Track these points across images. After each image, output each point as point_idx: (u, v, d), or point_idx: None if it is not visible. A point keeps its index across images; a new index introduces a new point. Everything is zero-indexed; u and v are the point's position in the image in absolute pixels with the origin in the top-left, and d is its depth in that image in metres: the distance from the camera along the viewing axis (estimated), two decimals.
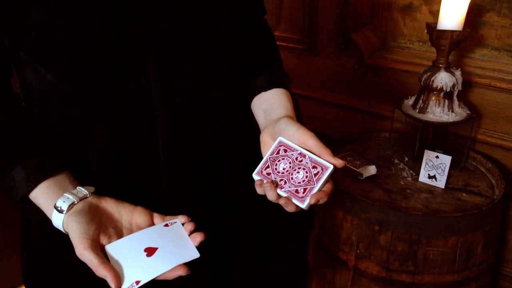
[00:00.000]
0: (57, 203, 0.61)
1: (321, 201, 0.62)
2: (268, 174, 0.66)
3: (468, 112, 1.25)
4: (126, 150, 0.68)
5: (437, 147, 1.21)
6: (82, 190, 0.63)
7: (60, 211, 0.60)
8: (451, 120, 1.21)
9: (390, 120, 1.38)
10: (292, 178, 0.64)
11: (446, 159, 1.17)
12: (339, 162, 0.62)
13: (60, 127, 0.68)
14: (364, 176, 1.25)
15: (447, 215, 1.07)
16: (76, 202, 0.61)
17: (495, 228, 1.17)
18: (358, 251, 1.16)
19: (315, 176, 0.62)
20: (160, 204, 0.71)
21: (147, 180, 0.71)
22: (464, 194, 1.19)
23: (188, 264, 0.82)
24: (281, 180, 0.65)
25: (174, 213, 0.73)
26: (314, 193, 0.61)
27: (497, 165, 1.31)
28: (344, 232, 1.18)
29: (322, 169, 0.62)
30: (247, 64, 0.83)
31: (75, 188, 0.63)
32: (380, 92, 1.54)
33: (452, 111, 1.22)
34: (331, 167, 0.62)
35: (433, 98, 1.22)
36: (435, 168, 1.19)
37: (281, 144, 0.67)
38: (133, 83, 0.66)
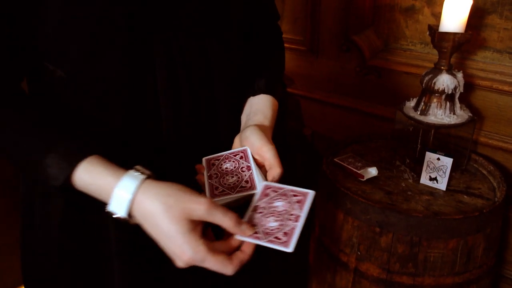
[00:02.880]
0: (132, 170, 0.59)
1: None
2: (213, 164, 0.70)
3: (470, 114, 1.25)
4: (134, 148, 0.69)
5: (439, 149, 1.21)
6: (141, 169, 0.60)
7: (142, 173, 0.58)
8: (452, 122, 1.21)
9: (392, 121, 1.38)
10: (224, 177, 0.68)
11: (447, 161, 1.17)
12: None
13: (69, 122, 0.67)
14: (365, 178, 1.25)
15: (448, 217, 1.07)
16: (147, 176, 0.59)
17: (496, 231, 1.17)
18: (359, 253, 1.16)
19: (238, 188, 0.65)
20: None
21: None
22: (465, 197, 1.19)
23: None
24: (216, 173, 0.69)
25: None
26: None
27: (498, 167, 1.30)
28: (344, 233, 1.18)
29: (250, 187, 0.65)
30: (251, 67, 0.84)
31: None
32: (381, 94, 1.54)
33: (454, 113, 1.22)
34: (257, 189, 0.64)
35: (435, 100, 1.22)
36: (436, 170, 1.19)
37: (243, 151, 0.70)
38: (142, 81, 0.66)
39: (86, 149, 0.60)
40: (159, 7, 0.65)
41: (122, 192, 0.57)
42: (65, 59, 0.63)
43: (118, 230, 0.71)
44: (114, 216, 0.57)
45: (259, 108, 0.78)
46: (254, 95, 0.80)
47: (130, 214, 0.57)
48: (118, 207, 0.57)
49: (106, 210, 0.58)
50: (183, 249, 0.55)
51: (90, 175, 0.58)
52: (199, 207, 0.55)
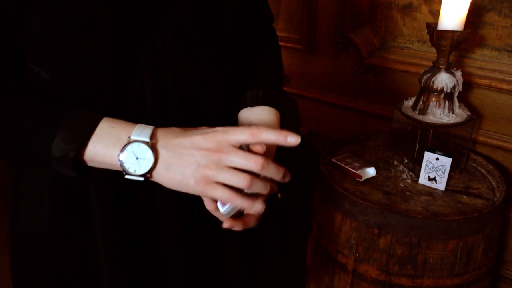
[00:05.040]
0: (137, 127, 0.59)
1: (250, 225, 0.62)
2: None
3: (469, 113, 1.23)
4: None
5: (437, 148, 1.20)
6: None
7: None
8: (451, 122, 1.19)
9: (390, 121, 1.36)
10: None
11: (446, 161, 1.15)
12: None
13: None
14: (363, 178, 1.23)
15: (448, 218, 1.06)
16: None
17: (495, 231, 1.15)
18: (357, 254, 1.15)
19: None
20: (150, 200, 0.71)
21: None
22: (464, 197, 1.17)
23: (183, 265, 0.80)
24: None
25: (164, 212, 0.72)
26: (230, 221, 0.60)
27: (497, 167, 1.29)
28: (343, 235, 1.17)
29: None
30: (244, 74, 0.81)
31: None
32: (379, 93, 1.53)
33: (453, 113, 1.21)
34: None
35: (433, 99, 1.21)
36: (435, 170, 1.18)
37: None
38: (127, 84, 0.64)
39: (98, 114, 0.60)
40: (145, 11, 0.63)
41: (143, 126, 0.59)
42: (49, 62, 0.61)
43: (106, 236, 0.70)
44: (134, 140, 0.57)
45: (262, 119, 0.75)
46: (252, 105, 0.77)
47: (151, 139, 0.58)
48: (141, 133, 0.58)
49: (127, 140, 0.57)
50: (212, 129, 0.58)
51: (110, 122, 0.59)
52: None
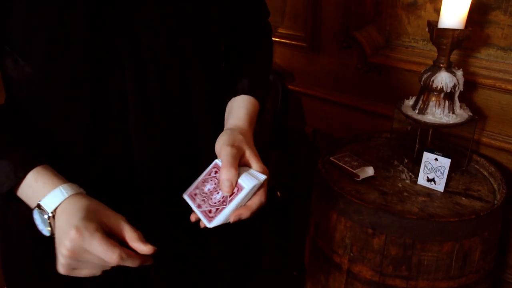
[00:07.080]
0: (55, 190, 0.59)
1: (243, 217, 0.63)
2: (195, 195, 0.67)
3: (470, 113, 1.21)
4: (100, 146, 0.67)
5: (438, 149, 1.18)
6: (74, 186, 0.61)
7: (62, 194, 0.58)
8: (451, 122, 1.17)
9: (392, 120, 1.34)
10: (211, 198, 0.65)
11: (445, 162, 1.13)
12: (225, 186, 0.63)
13: (37, 119, 0.67)
14: (360, 178, 1.22)
15: (443, 219, 1.04)
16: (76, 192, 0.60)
17: (494, 234, 1.13)
18: (352, 254, 1.13)
19: (230, 197, 0.63)
20: (133, 203, 0.71)
21: (120, 178, 0.70)
22: (463, 199, 1.15)
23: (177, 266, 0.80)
24: (202, 200, 0.66)
25: (147, 207, 0.72)
26: (236, 211, 0.63)
27: (501, 169, 1.26)
28: (338, 234, 1.16)
29: (237, 190, 0.63)
30: (231, 67, 0.81)
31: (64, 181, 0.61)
32: (383, 92, 1.51)
33: (453, 113, 1.18)
34: (246, 187, 0.62)
35: (433, 98, 1.18)
36: (434, 171, 1.16)
37: (215, 166, 0.68)
38: (108, 79, 0.65)
39: (34, 160, 0.61)
40: (125, 4, 0.63)
41: (61, 189, 0.59)
42: (31, 55, 0.62)
43: None
44: (40, 206, 0.59)
45: (235, 110, 0.75)
46: (235, 95, 0.77)
47: (57, 208, 0.58)
48: (53, 200, 0.58)
49: (36, 203, 0.59)
50: (88, 225, 0.56)
51: (36, 175, 0.60)
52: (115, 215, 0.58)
